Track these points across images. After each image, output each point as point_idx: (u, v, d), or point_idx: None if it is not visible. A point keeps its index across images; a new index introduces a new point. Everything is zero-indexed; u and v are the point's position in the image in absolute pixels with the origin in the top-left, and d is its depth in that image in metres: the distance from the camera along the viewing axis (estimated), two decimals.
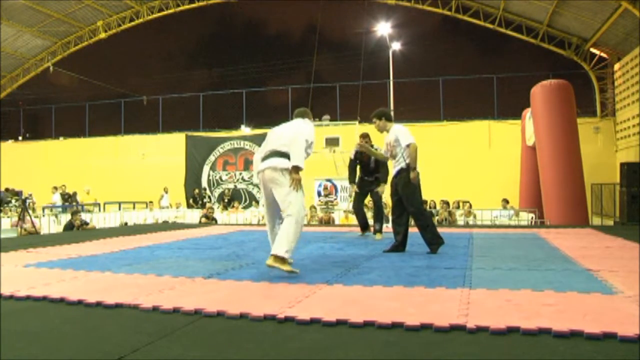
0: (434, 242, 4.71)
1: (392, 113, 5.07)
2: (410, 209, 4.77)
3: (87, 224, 10.17)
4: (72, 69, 21.94)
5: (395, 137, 4.81)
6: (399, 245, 4.84)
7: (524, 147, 13.57)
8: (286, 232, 3.53)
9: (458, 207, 12.73)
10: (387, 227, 8.53)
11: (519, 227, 9.01)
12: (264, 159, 3.80)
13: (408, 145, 4.72)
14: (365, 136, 6.28)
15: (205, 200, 17.05)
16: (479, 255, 4.58)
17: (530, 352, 1.95)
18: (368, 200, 6.94)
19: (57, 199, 15.79)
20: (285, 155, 3.69)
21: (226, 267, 3.98)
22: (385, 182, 6.12)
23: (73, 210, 10.62)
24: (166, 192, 16.81)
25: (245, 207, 16.65)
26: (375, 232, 6.23)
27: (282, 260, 3.48)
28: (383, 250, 4.91)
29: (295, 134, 3.75)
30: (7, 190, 15.24)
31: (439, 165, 15.37)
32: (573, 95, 11.34)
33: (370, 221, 6.80)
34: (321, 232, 7.14)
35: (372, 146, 6.20)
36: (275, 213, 3.86)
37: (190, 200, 16.98)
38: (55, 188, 16.10)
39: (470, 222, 11.59)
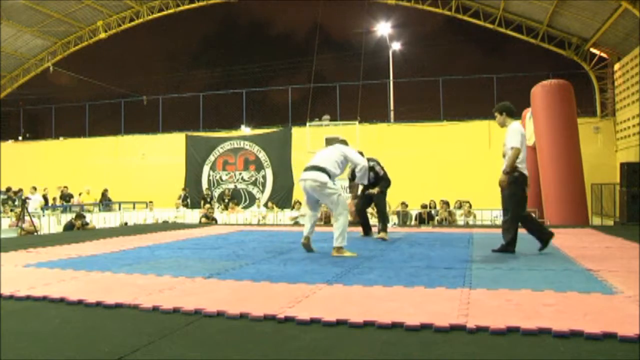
0: (507, 244, 4.77)
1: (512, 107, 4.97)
2: (505, 208, 4.91)
3: (87, 224, 10.17)
4: (72, 69, 21.95)
5: (506, 137, 4.79)
6: (508, 246, 4.82)
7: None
8: (339, 227, 4.58)
9: (459, 207, 12.73)
10: (393, 227, 8.57)
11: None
12: (306, 169, 4.90)
13: (511, 148, 4.71)
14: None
15: (201, 199, 16.92)
16: (479, 255, 4.58)
17: (530, 352, 1.95)
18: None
19: (36, 200, 14.75)
20: (322, 170, 4.80)
21: (226, 267, 3.98)
22: (381, 188, 6.39)
23: (77, 214, 10.57)
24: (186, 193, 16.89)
25: (245, 207, 16.63)
26: (379, 231, 6.29)
27: (340, 249, 4.52)
28: (492, 249, 4.86)
29: (346, 157, 5.10)
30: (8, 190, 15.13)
31: (439, 165, 15.39)
32: (573, 95, 11.32)
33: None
34: (321, 232, 7.11)
35: (369, 160, 6.29)
36: (313, 206, 5.00)
37: (202, 202, 16.52)
38: (34, 188, 15.50)
39: (470, 222, 11.60)
